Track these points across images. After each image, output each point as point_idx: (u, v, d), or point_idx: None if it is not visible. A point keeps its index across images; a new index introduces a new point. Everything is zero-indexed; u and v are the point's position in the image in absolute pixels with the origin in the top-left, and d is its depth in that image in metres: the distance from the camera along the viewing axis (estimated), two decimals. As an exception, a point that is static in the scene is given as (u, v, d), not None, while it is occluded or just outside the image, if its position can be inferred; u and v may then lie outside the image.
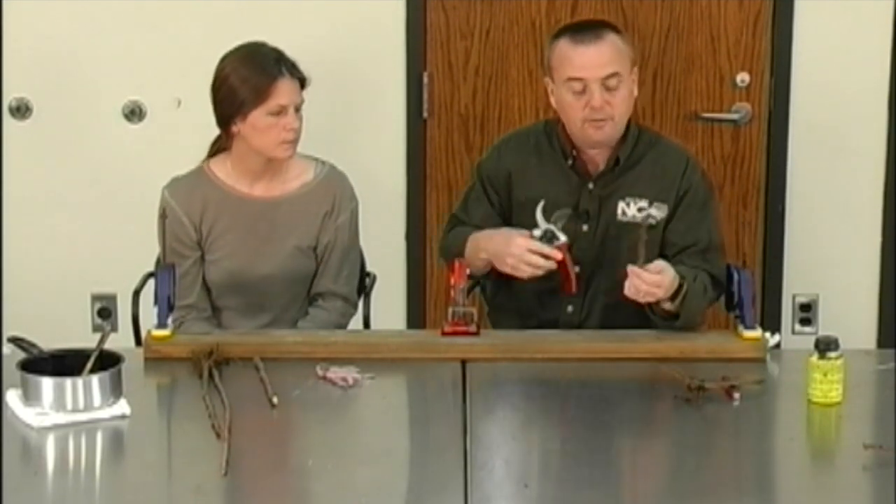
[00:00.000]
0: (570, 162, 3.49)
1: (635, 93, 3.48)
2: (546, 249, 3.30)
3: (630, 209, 3.41)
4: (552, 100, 3.50)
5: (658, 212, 3.42)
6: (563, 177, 3.50)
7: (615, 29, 3.48)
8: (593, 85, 3.37)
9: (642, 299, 3.26)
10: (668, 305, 3.31)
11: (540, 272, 3.31)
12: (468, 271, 3.36)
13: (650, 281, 3.22)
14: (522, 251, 3.28)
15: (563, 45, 3.43)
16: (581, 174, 3.50)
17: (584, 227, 3.48)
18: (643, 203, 3.42)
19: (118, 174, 4.69)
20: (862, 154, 4.72)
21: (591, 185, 3.49)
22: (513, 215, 3.53)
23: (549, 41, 3.52)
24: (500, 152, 3.62)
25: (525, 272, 3.30)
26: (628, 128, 3.51)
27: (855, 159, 4.72)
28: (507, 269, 3.33)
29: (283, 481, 2.68)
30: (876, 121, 4.68)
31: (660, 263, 3.28)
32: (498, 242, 3.36)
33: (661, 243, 3.46)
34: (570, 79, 3.40)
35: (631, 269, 3.23)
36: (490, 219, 3.55)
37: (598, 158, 3.50)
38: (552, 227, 3.34)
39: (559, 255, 3.31)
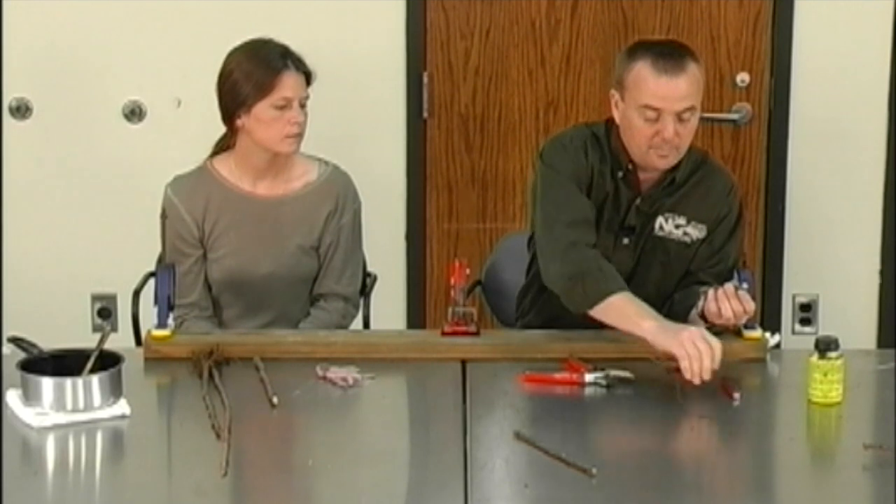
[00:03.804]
0: (621, 174, 3.40)
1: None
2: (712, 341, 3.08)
3: (668, 224, 3.41)
4: (615, 113, 3.36)
5: (695, 231, 3.41)
6: (617, 188, 3.41)
7: (694, 56, 3.35)
8: (668, 116, 3.27)
9: (724, 321, 3.20)
10: (694, 318, 3.28)
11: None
12: (468, 271, 3.36)
13: (750, 309, 3.19)
14: (694, 337, 3.05)
15: (644, 69, 3.29)
16: (632, 188, 3.41)
17: (625, 241, 3.42)
18: (681, 220, 3.41)
19: (118, 174, 4.69)
20: (862, 154, 4.72)
21: (638, 201, 3.41)
22: None
23: (624, 54, 3.38)
24: (574, 154, 3.40)
25: (687, 358, 3.03)
26: None
27: (855, 159, 4.73)
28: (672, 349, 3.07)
29: (283, 481, 2.68)
30: (876, 120, 4.69)
31: (739, 292, 3.22)
32: (670, 334, 3.08)
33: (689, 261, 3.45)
34: (646, 106, 3.28)
35: (740, 293, 3.18)
36: (588, 207, 3.38)
37: (651, 176, 3.41)
38: None
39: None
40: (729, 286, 3.22)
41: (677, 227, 3.42)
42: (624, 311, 3.19)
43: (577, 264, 3.27)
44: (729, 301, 3.19)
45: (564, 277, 3.29)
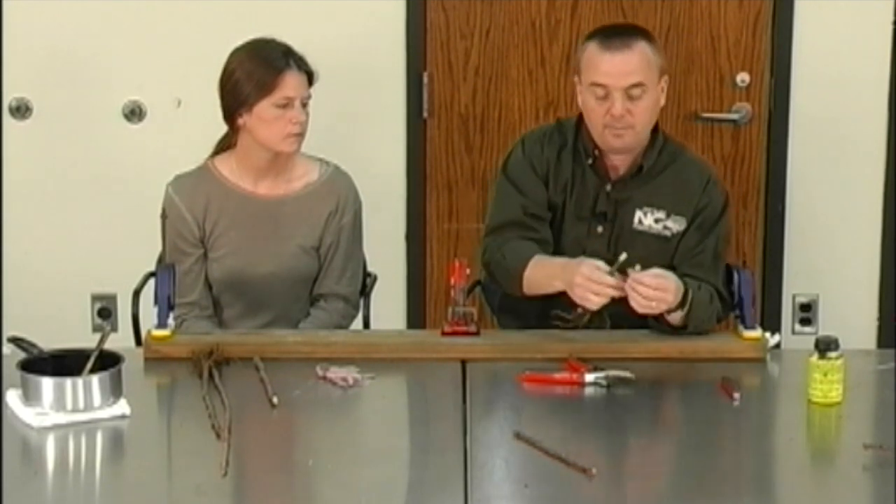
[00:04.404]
0: (590, 161, 3.46)
1: (662, 102, 3.43)
2: (607, 279, 3.18)
3: (647, 219, 3.43)
4: (579, 99, 3.46)
5: (675, 224, 3.42)
6: (584, 176, 3.47)
7: (647, 37, 3.42)
8: (616, 93, 3.33)
9: (654, 309, 3.21)
10: (675, 317, 3.29)
11: (604, 300, 3.21)
12: (468, 271, 3.37)
13: (655, 285, 3.19)
14: (584, 280, 3.20)
15: (592, 49, 3.38)
16: (600, 175, 3.47)
17: (599, 229, 3.46)
18: (661, 214, 3.43)
19: (118, 174, 4.69)
20: (862, 154, 4.72)
21: (608, 188, 3.46)
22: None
23: (582, 40, 3.48)
24: (528, 150, 3.52)
25: (591, 302, 3.21)
26: (654, 136, 3.47)
27: (855, 159, 4.73)
28: (576, 300, 3.24)
29: (283, 481, 2.68)
30: (876, 120, 4.69)
31: (656, 269, 3.24)
32: (569, 272, 3.25)
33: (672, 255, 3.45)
34: (594, 84, 3.36)
35: (632, 277, 3.17)
36: (543, 194, 3.47)
37: (619, 163, 3.46)
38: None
39: (620, 288, 3.19)
40: (633, 276, 3.19)
41: (657, 221, 3.44)
42: (539, 282, 3.36)
43: (487, 266, 3.47)
44: (635, 293, 3.18)
45: (490, 281, 3.53)
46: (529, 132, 3.63)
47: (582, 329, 3.36)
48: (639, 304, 3.19)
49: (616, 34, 3.41)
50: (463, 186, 4.75)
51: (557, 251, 3.45)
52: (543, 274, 3.35)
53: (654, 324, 3.33)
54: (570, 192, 3.48)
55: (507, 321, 3.65)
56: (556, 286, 3.31)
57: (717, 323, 3.44)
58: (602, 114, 3.36)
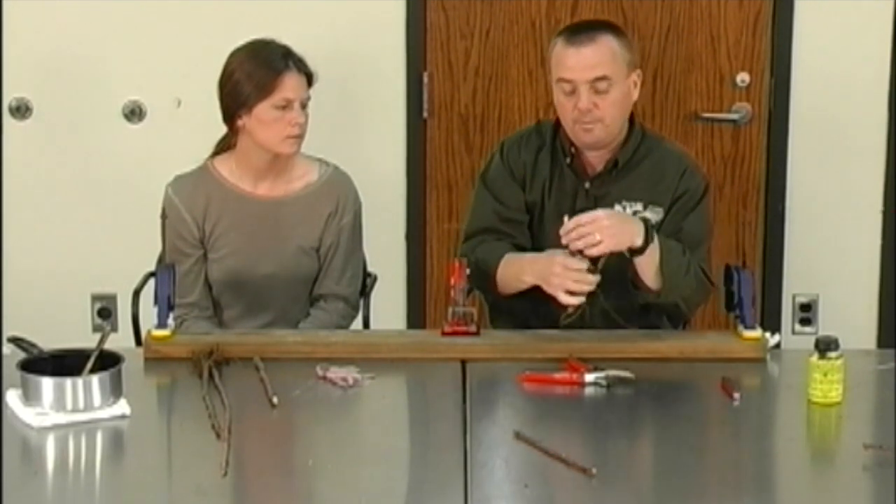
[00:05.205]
0: (567, 160, 3.49)
1: (634, 96, 3.46)
2: (586, 277, 3.21)
3: (626, 213, 3.43)
4: (554, 98, 3.49)
5: (653, 215, 3.43)
6: (562, 175, 3.50)
7: (615, 30, 3.45)
8: (581, 87, 3.37)
9: (598, 245, 3.18)
10: (647, 269, 3.27)
11: (585, 290, 3.23)
12: (468, 271, 3.36)
13: (577, 222, 3.18)
14: (562, 270, 3.21)
15: (559, 45, 3.43)
16: (578, 173, 3.50)
17: None
18: (638, 206, 3.44)
19: (118, 174, 4.69)
20: (862, 154, 4.72)
21: (587, 185, 3.49)
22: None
23: (552, 39, 3.52)
24: (506, 154, 3.56)
25: (569, 300, 3.23)
26: (631, 130, 3.50)
27: (855, 159, 4.73)
28: (551, 290, 3.25)
29: (283, 481, 2.68)
30: (876, 120, 4.69)
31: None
32: (543, 265, 3.28)
33: None
34: (561, 79, 3.40)
35: (563, 230, 3.20)
36: (520, 198, 3.51)
37: (596, 160, 3.50)
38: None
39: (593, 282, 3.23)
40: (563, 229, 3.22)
41: (635, 213, 3.45)
42: (509, 280, 3.40)
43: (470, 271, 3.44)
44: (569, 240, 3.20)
45: (474, 285, 3.49)
46: (509, 136, 3.66)
47: (578, 325, 3.37)
48: (578, 243, 3.19)
49: (582, 29, 3.45)
50: (463, 186, 4.74)
51: (540, 252, 3.44)
52: (512, 271, 3.39)
53: (634, 290, 3.34)
54: (549, 192, 3.51)
55: (502, 325, 3.65)
56: (526, 282, 3.34)
57: (700, 297, 3.46)
58: (570, 109, 3.40)
